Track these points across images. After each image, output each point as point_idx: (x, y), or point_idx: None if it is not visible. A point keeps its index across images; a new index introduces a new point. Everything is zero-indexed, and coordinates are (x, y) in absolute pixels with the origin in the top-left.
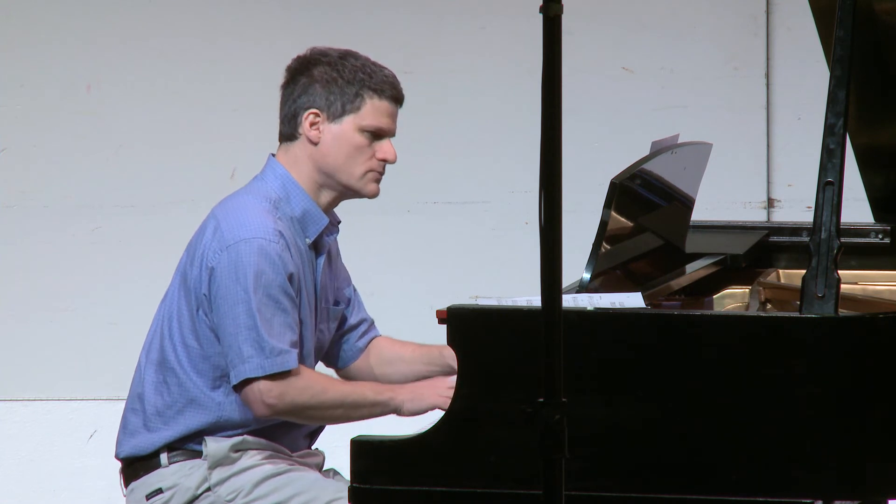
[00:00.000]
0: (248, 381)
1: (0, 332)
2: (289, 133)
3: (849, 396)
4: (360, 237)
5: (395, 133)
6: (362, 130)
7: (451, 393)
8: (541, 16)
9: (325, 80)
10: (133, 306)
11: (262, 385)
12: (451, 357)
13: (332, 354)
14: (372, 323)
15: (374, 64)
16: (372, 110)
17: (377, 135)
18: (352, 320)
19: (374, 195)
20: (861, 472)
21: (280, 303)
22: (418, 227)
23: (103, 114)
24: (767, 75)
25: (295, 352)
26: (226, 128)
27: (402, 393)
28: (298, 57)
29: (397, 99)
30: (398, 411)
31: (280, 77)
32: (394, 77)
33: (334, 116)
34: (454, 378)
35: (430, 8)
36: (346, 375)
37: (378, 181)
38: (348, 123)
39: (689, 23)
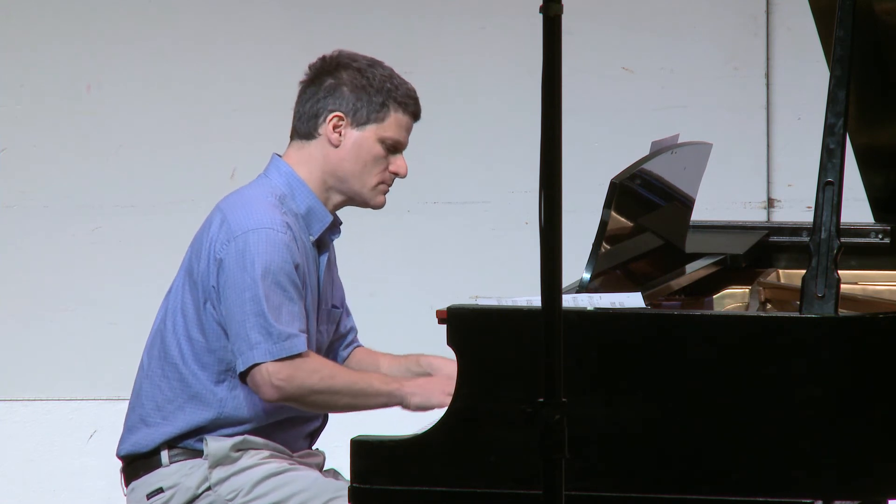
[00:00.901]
0: (255, 366)
1: (0, 332)
2: (306, 131)
3: (849, 396)
4: (360, 237)
5: (407, 146)
6: (382, 141)
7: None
8: (541, 16)
9: (355, 85)
10: (133, 306)
11: (271, 367)
12: (427, 364)
13: None
14: (356, 333)
15: (399, 76)
16: (394, 123)
17: (393, 148)
18: (342, 329)
19: (380, 206)
20: (861, 472)
21: (288, 291)
22: (418, 227)
23: (103, 114)
24: (767, 75)
25: (304, 336)
26: (226, 128)
27: (409, 386)
28: (325, 57)
29: (417, 115)
30: (403, 404)
31: (281, 77)
32: (415, 92)
33: (358, 123)
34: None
35: (430, 8)
36: None
37: (386, 193)
38: (370, 132)
39: (689, 23)
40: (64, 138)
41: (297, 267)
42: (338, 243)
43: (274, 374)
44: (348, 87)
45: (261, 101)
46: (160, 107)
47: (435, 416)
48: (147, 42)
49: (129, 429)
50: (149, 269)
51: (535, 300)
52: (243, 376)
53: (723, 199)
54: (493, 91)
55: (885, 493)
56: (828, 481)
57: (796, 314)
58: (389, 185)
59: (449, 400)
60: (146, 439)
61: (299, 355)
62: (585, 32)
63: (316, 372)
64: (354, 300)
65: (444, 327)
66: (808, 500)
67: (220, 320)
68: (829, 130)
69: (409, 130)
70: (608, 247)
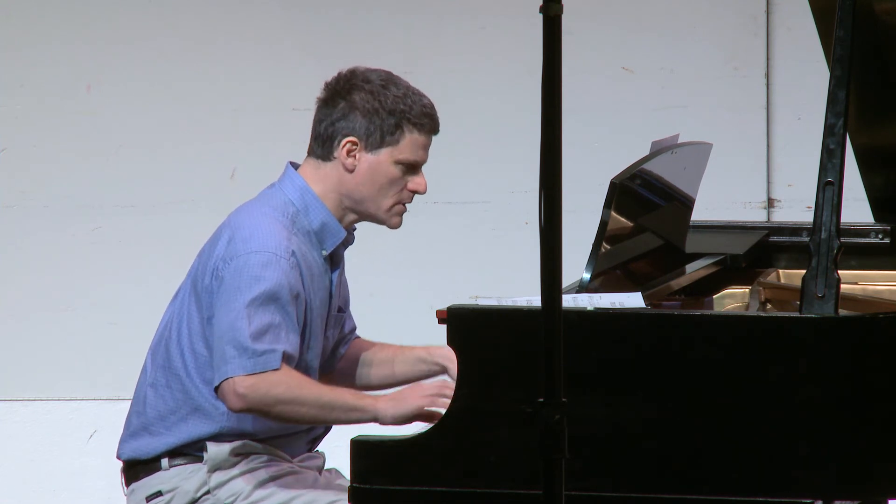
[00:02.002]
0: (226, 380)
1: (0, 332)
2: (322, 153)
3: (849, 396)
4: (361, 237)
5: (427, 161)
6: (398, 163)
7: (433, 391)
8: (541, 16)
9: (367, 109)
10: (133, 306)
11: (237, 378)
12: (440, 356)
13: None
14: (356, 329)
15: (415, 92)
16: (410, 144)
17: (411, 167)
18: (345, 329)
19: (395, 227)
20: (861, 472)
21: (276, 315)
22: (418, 227)
23: (103, 114)
24: (767, 75)
25: (279, 353)
26: (226, 128)
27: (382, 401)
28: (340, 75)
29: (434, 130)
30: (378, 419)
31: (281, 77)
32: (432, 107)
33: (372, 147)
34: (435, 381)
35: (430, 8)
36: (328, 381)
37: (402, 213)
38: (385, 155)
39: (689, 23)
40: (64, 138)
41: (296, 296)
42: None
43: (238, 384)
44: (360, 111)
45: (261, 101)
46: (160, 107)
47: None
48: (147, 42)
49: (132, 434)
50: (149, 269)
51: (535, 300)
52: (217, 391)
53: (723, 199)
54: (493, 91)
55: (885, 493)
56: (828, 481)
57: (796, 314)
58: (407, 203)
59: (428, 399)
60: (148, 447)
61: (272, 370)
62: (585, 32)
63: (281, 383)
64: (354, 300)
65: (444, 327)
66: (808, 500)
67: None
68: (829, 130)
69: (426, 147)
70: (608, 247)
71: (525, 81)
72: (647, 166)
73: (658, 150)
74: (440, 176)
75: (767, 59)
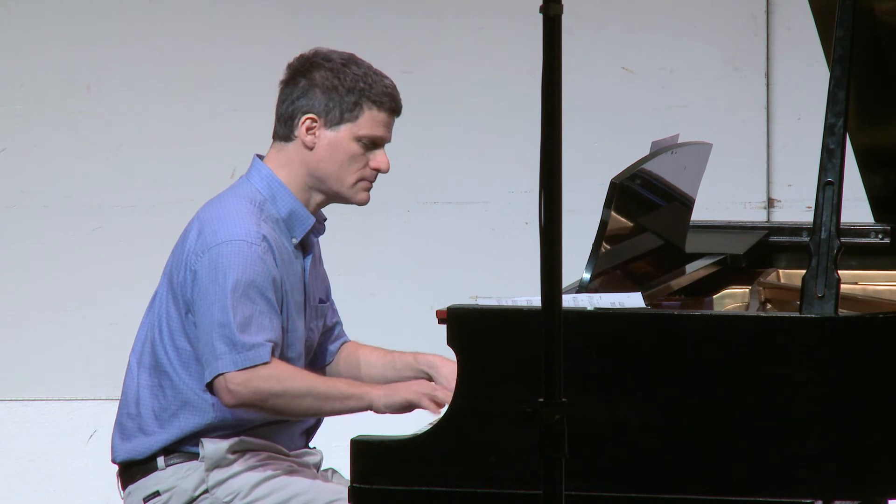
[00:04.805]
0: (219, 376)
1: (0, 332)
2: (284, 133)
3: (849, 396)
4: (361, 237)
5: (390, 140)
6: (358, 139)
7: (426, 389)
8: (541, 16)
9: (326, 86)
10: (133, 306)
11: (229, 375)
12: (424, 363)
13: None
14: (342, 327)
15: (376, 73)
16: (369, 120)
17: (372, 144)
18: (328, 322)
19: (363, 203)
20: (861, 472)
21: (258, 303)
22: (418, 227)
23: (103, 114)
24: (767, 75)
25: (269, 346)
26: (226, 128)
27: (374, 389)
28: (301, 56)
29: (395, 110)
30: (372, 407)
31: (280, 77)
32: (393, 87)
33: (331, 123)
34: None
35: (430, 8)
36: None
37: (369, 189)
38: (345, 131)
39: (689, 23)
40: (64, 138)
41: (273, 281)
42: (337, 243)
43: (230, 380)
44: (320, 88)
45: (261, 101)
46: (160, 106)
47: (435, 416)
48: (147, 42)
49: (125, 437)
50: (149, 269)
51: (535, 300)
52: (210, 387)
53: (723, 199)
54: (493, 91)
55: (885, 493)
56: (828, 481)
57: (796, 314)
58: (372, 181)
59: (417, 395)
60: (142, 446)
61: (262, 364)
62: (585, 32)
63: (272, 377)
64: (354, 300)
65: (444, 327)
66: (808, 500)
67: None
68: (829, 130)
69: (388, 126)
70: (608, 247)
71: (525, 81)
72: (647, 166)
73: (658, 150)
74: (440, 176)
75: (767, 59)
